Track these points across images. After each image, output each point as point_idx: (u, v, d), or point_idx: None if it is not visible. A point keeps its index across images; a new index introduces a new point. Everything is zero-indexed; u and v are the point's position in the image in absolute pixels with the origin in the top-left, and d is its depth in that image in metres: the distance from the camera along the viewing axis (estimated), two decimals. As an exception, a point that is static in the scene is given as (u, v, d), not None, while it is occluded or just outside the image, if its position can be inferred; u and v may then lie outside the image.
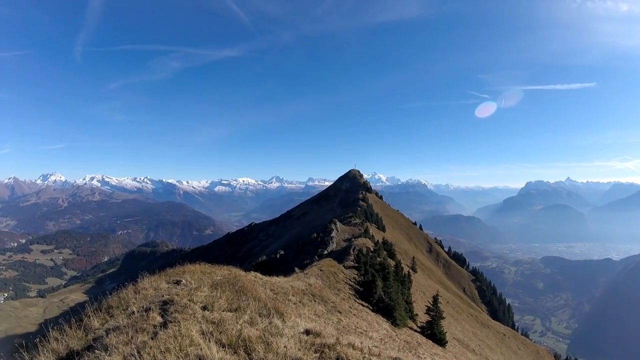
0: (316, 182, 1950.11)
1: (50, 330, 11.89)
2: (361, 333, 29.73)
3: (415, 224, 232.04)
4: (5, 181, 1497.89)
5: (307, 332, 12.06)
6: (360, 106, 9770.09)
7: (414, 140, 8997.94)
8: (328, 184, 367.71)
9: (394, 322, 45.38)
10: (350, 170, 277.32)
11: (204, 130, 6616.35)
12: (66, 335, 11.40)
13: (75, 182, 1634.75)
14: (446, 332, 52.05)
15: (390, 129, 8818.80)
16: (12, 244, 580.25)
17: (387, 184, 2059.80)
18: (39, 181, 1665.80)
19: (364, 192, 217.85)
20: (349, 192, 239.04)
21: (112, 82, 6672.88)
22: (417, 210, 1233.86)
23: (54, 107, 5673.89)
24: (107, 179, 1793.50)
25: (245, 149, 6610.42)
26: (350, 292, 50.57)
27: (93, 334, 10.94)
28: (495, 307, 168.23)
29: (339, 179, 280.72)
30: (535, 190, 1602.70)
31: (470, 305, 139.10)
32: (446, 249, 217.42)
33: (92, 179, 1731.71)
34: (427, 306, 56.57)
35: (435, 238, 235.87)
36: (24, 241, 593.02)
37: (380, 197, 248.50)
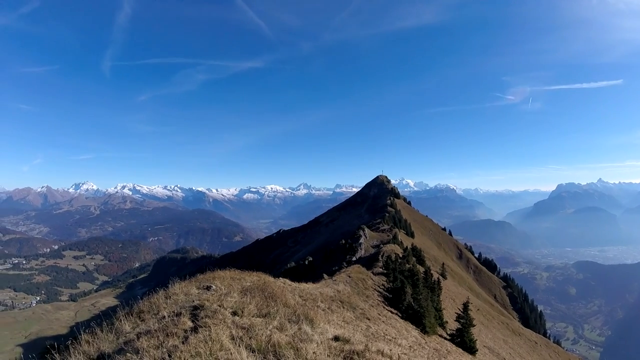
0: (344, 189, 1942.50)
1: (81, 332, 12.13)
2: (390, 340, 29.48)
3: (444, 229, 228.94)
4: (38, 190, 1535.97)
5: (336, 338, 12.02)
6: (385, 111, 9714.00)
7: (442, 145, 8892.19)
8: (356, 190, 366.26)
9: (424, 330, 44.88)
10: (377, 176, 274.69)
11: (231, 139, 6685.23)
12: (97, 338, 11.59)
13: (107, 190, 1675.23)
14: (476, 340, 51.25)
15: (417, 134, 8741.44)
16: (45, 250, 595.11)
17: (415, 189, 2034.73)
18: (71, 190, 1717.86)
19: (391, 198, 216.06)
20: (377, 198, 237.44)
21: (140, 95, 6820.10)
22: (446, 216, 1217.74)
23: (84, 119, 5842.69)
24: (138, 188, 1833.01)
25: (273, 156, 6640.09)
26: (379, 299, 50.23)
27: (124, 338, 11.04)
28: (527, 314, 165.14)
29: (366, 185, 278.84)
30: (566, 192, 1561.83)
31: (501, 312, 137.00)
32: (476, 255, 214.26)
33: (123, 187, 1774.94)
34: (457, 313, 55.82)
35: (465, 244, 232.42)
36: (56, 247, 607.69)
37: (409, 203, 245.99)
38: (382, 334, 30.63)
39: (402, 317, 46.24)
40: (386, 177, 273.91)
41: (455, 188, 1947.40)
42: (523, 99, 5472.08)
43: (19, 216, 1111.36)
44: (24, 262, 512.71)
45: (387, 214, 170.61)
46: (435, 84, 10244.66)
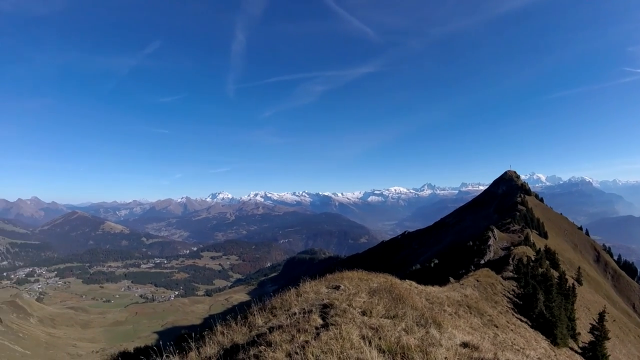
0: (470, 187, 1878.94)
1: (216, 324, 13.21)
2: (518, 350, 28.26)
3: (580, 228, 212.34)
4: (179, 200, 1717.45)
5: (465, 344, 11.61)
6: (506, 101, 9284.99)
7: (573, 132, 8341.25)
8: (482, 188, 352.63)
9: (554, 341, 42.67)
10: (505, 172, 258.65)
11: (353, 144, 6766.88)
12: (231, 330, 12.54)
13: (241, 198, 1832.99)
14: (609, 356, 47.56)
15: (544, 123, 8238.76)
16: (185, 251, 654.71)
17: (547, 184, 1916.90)
18: (208, 199, 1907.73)
19: (522, 195, 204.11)
20: (506, 196, 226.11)
21: (265, 111, 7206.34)
22: (582, 213, 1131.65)
23: (216, 137, 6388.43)
24: (269, 195, 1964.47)
25: (395, 158, 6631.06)
26: (508, 306, 48.57)
27: (257, 331, 11.63)
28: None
29: (493, 182, 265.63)
30: None
31: (639, 324, 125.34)
32: (615, 258, 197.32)
33: (255, 195, 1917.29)
34: (591, 324, 52.25)
35: (603, 245, 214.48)
36: (195, 249, 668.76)
37: (541, 200, 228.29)
38: (510, 343, 29.54)
39: (531, 326, 44.34)
40: (515, 172, 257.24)
41: (591, 180, 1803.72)
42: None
43: (161, 223, 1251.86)
44: (165, 262, 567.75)
45: (517, 213, 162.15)
46: (555, 67, 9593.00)
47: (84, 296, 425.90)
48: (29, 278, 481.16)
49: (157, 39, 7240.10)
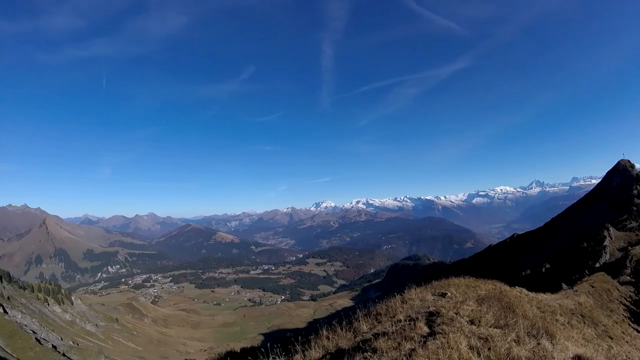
0: (581, 182, 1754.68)
1: (321, 328, 13.51)
2: (632, 366, 26.13)
3: None
4: (284, 210, 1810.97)
5: (578, 358, 10.93)
6: (613, 82, 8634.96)
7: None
8: (595, 182, 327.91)
9: (671, 356, 38.93)
10: (618, 162, 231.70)
11: (452, 145, 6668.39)
12: (336, 335, 12.72)
13: (344, 206, 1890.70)
14: None
15: None
16: (291, 258, 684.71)
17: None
18: (312, 208, 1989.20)
19: (638, 187, 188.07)
20: (620, 189, 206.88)
21: (360, 120, 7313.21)
22: None
23: (317, 149, 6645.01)
24: (370, 201, 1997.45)
25: (499, 155, 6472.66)
26: (625, 314, 45.36)
27: (361, 337, 11.70)
28: None
29: (607, 174, 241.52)
30: None
31: None
32: None
33: (357, 202, 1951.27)
34: None
35: None
36: (301, 256, 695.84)
37: None
38: (624, 357, 27.29)
39: (647, 338, 40.83)
40: (629, 161, 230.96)
41: None
42: None
43: (268, 232, 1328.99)
44: (272, 268, 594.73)
45: (633, 208, 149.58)
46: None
47: (196, 299, 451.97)
48: (145, 283, 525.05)
49: (251, 65, 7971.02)
